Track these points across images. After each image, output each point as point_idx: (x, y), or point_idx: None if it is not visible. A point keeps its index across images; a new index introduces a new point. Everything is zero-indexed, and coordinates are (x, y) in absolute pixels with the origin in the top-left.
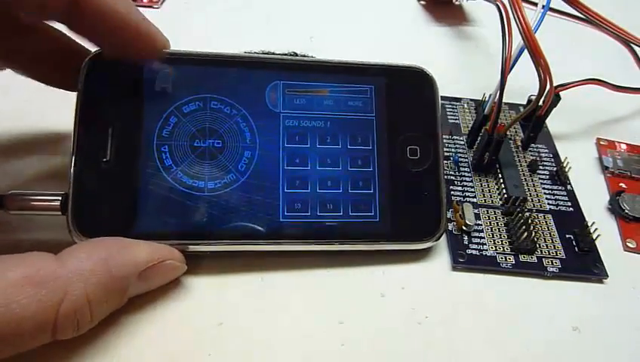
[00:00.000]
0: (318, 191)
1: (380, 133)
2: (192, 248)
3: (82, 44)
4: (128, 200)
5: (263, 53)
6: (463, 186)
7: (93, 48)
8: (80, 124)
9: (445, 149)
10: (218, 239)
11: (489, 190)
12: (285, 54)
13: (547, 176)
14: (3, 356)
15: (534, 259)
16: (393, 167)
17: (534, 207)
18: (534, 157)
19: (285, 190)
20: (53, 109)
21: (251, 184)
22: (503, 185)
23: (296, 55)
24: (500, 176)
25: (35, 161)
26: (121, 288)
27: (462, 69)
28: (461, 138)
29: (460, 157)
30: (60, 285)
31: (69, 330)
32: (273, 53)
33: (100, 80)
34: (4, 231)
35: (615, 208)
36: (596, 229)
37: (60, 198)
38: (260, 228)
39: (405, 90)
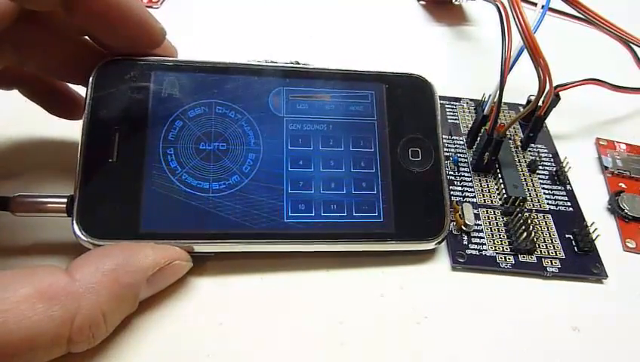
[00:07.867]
0: (321, 192)
1: (381, 136)
2: (197, 249)
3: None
4: (134, 201)
5: (267, 62)
6: (462, 186)
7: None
8: (88, 125)
9: (445, 149)
10: (223, 239)
11: (489, 190)
12: (288, 63)
13: (547, 176)
14: None
15: (534, 259)
16: (395, 169)
17: (534, 207)
18: (534, 158)
19: (289, 191)
20: None
21: (256, 186)
22: (502, 185)
23: (299, 64)
24: (499, 176)
25: (41, 163)
26: (133, 295)
27: (461, 68)
28: (461, 138)
29: (460, 157)
30: (71, 300)
31: (84, 343)
32: (276, 63)
33: (109, 84)
34: (9, 233)
35: (614, 208)
36: (596, 229)
37: (65, 200)
38: (265, 228)
39: (405, 95)
